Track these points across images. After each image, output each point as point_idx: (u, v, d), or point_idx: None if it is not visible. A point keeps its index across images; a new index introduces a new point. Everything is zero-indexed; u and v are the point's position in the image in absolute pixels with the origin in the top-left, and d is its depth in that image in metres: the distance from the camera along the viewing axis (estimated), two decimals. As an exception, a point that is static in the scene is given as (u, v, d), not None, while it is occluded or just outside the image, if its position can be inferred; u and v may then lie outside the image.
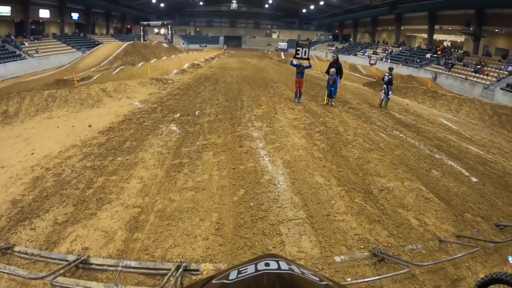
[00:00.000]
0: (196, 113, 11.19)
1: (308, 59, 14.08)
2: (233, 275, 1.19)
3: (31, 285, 3.89)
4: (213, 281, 1.21)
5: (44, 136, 9.02)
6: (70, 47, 48.38)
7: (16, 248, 4.39)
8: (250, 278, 1.14)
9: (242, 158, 7.46)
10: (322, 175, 6.74)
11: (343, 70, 14.82)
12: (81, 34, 57.23)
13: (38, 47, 41.24)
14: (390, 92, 14.06)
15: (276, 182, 6.33)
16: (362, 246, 4.63)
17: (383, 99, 14.30)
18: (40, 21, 49.66)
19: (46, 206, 5.39)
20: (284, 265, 1.21)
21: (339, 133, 9.57)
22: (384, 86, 14.08)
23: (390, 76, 14.09)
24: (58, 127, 9.84)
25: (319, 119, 10.95)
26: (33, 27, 48.18)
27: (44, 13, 49.06)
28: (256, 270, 1.18)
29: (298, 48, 13.89)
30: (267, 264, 1.21)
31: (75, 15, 56.55)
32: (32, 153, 7.72)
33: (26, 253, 4.32)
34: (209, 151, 7.84)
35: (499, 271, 3.53)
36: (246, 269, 1.20)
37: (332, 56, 15.47)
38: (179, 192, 5.90)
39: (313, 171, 6.90)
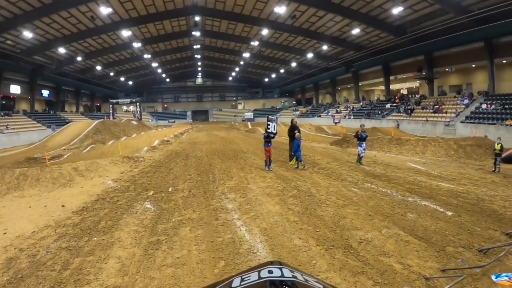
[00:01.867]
0: (170, 189, 11.29)
1: (276, 133, 15.04)
2: (236, 282, 1.21)
3: None
4: None
5: (17, 216, 8.85)
6: (40, 125, 48.55)
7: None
8: (253, 286, 1.16)
9: (219, 230, 7.54)
10: (300, 237, 6.89)
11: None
12: (51, 112, 57.66)
13: (9, 123, 41.00)
14: (364, 148, 14.68)
15: (255, 250, 6.41)
16: None
17: (361, 156, 14.76)
18: (11, 96, 49.89)
19: (21, 289, 5.25)
20: (287, 273, 1.22)
21: (312, 195, 9.87)
22: (361, 142, 14.65)
23: (364, 132, 14.85)
24: (30, 207, 9.68)
25: (291, 184, 11.27)
26: (4, 102, 48.21)
27: (15, 89, 49.58)
28: (259, 277, 1.20)
29: (268, 123, 14.80)
30: (270, 272, 1.23)
31: (45, 92, 57.34)
32: (5, 233, 7.55)
33: None
34: (185, 226, 7.88)
35: None
36: (249, 276, 1.23)
37: (291, 121, 16.30)
38: (159, 270, 5.87)
39: (290, 235, 7.04)
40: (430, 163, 14.53)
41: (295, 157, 14.31)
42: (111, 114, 63.37)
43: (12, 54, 43.27)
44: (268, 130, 14.69)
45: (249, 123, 62.60)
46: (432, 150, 17.50)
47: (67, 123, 50.67)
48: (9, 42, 40.67)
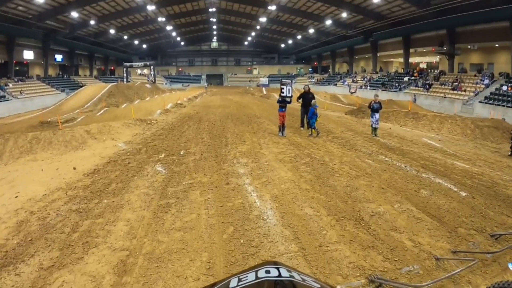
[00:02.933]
0: (181, 152, 11.19)
1: (291, 96, 14.60)
2: (233, 283, 1.18)
3: None
4: None
5: (29, 179, 8.87)
6: (54, 89, 48.61)
7: (0, 297, 4.23)
8: (250, 286, 1.13)
9: (229, 195, 7.43)
10: (311, 206, 6.74)
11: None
12: (65, 76, 57.61)
13: (22, 89, 41.23)
14: (377, 119, 14.31)
15: (265, 217, 6.29)
16: (358, 274, 4.58)
17: (373, 127, 14.49)
18: (24, 62, 50.04)
19: (31, 251, 5.23)
20: (284, 272, 1.20)
21: (325, 163, 9.66)
22: (374, 113, 14.33)
23: (377, 103, 14.45)
24: (42, 170, 9.69)
25: (304, 151, 11.06)
26: (17, 68, 48.48)
27: (28, 55, 49.45)
28: (257, 277, 1.17)
29: (282, 86, 14.40)
30: (267, 272, 1.20)
31: (58, 57, 57.07)
32: (16, 196, 7.55)
33: (11, 302, 4.16)
34: (195, 190, 7.79)
35: (500, 281, 3.52)
36: (247, 276, 1.20)
37: (304, 88, 15.86)
38: (167, 233, 5.81)
39: (301, 203, 6.90)
40: (445, 141, 14.13)
41: (310, 124, 13.99)
42: (125, 77, 63.00)
43: (24, 20, 42.58)
44: (282, 94, 14.33)
45: (263, 88, 61.90)
46: (449, 128, 17.06)
47: (81, 87, 50.62)
48: (20, 8, 40.03)
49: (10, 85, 40.65)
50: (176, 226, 6.06)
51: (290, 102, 14.61)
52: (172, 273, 4.69)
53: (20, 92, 40.42)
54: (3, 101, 36.81)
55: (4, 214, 6.62)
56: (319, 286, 1.18)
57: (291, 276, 1.18)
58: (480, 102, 32.28)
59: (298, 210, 6.59)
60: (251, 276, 1.18)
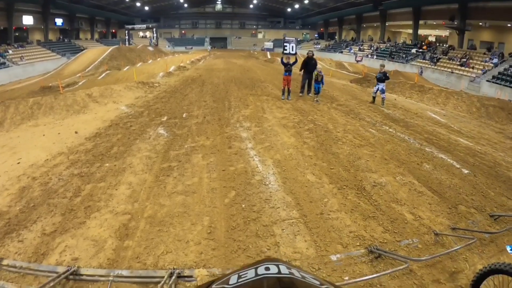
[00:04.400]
0: (184, 115, 11.07)
1: (295, 54, 14.21)
2: (233, 279, 1.19)
3: None
4: (214, 286, 1.23)
5: (30, 145, 8.82)
6: (55, 54, 47.83)
7: (4, 262, 4.24)
8: (250, 283, 1.13)
9: (231, 159, 7.38)
10: (314, 173, 6.69)
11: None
12: (66, 40, 56.57)
13: (23, 55, 40.66)
14: (382, 90, 14.16)
15: (267, 182, 6.26)
16: (358, 244, 4.58)
17: (373, 95, 14.47)
18: (24, 28, 48.98)
19: (33, 217, 5.24)
20: (284, 269, 1.21)
21: (329, 131, 9.54)
22: (378, 83, 14.22)
23: (381, 72, 14.29)
24: (44, 135, 9.63)
25: (307, 117, 10.91)
26: (17, 34, 47.54)
27: (28, 20, 48.32)
28: (256, 274, 1.18)
29: (285, 44, 14.08)
30: (267, 269, 1.21)
31: (59, 21, 55.82)
32: (18, 163, 7.53)
33: (15, 267, 4.17)
34: (198, 153, 7.74)
35: (497, 262, 3.50)
36: (246, 273, 1.21)
37: (307, 53, 15.40)
38: (169, 197, 5.79)
39: (304, 169, 6.85)
40: (450, 116, 13.85)
41: (316, 90, 13.74)
42: (126, 40, 61.95)
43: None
44: (285, 52, 14.00)
45: (268, 52, 60.71)
46: (454, 104, 16.69)
47: (82, 50, 49.80)
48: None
49: (10, 52, 39.94)
50: (178, 189, 6.04)
51: (296, 62, 14.19)
52: (174, 237, 4.69)
53: (21, 58, 39.81)
54: (3, 68, 36.24)
55: (6, 181, 6.60)
56: (318, 283, 1.17)
57: (290, 273, 1.18)
58: (487, 81, 31.38)
59: (301, 176, 6.53)
60: (250, 273, 1.20)
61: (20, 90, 26.39)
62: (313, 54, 15.09)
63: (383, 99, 14.08)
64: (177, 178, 6.50)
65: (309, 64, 14.35)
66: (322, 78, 13.60)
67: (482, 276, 3.54)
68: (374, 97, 14.47)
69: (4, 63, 36.80)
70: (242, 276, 1.19)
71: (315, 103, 13.41)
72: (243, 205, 5.45)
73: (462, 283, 4.07)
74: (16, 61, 38.89)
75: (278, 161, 7.22)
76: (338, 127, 9.93)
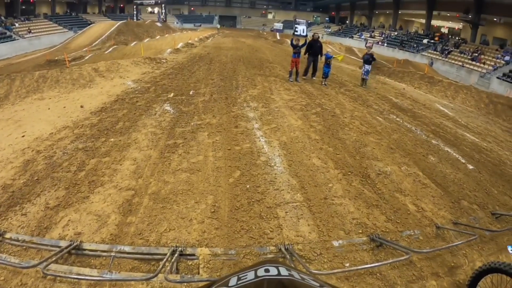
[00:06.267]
0: (191, 92, 10.97)
1: (306, 36, 13.98)
2: (233, 281, 1.18)
3: (24, 273, 3.76)
4: None
5: (35, 118, 8.79)
6: (61, 27, 47.41)
7: (7, 235, 4.26)
8: (250, 285, 1.13)
9: (237, 138, 7.32)
10: (319, 157, 6.62)
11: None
12: (73, 14, 55.98)
13: (29, 28, 40.36)
14: (367, 71, 14.54)
15: (272, 164, 6.20)
16: (360, 231, 4.55)
17: (364, 78, 14.72)
18: (31, 1, 48.42)
19: (37, 190, 5.24)
20: (284, 271, 1.21)
21: (336, 115, 9.42)
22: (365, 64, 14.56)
23: (368, 54, 14.68)
24: (49, 109, 9.59)
25: (315, 101, 10.77)
26: (24, 7, 47.02)
27: (35, -7, 47.83)
28: (256, 276, 1.18)
29: (296, 25, 13.84)
30: (267, 270, 1.21)
31: (66, -6, 55.20)
32: (23, 136, 7.51)
33: (17, 240, 4.19)
34: (204, 131, 7.67)
35: (497, 261, 3.51)
36: (246, 275, 1.21)
37: (313, 35, 14.98)
38: (174, 174, 5.76)
39: (310, 153, 6.78)
40: (458, 110, 13.67)
41: (324, 74, 13.58)
42: (134, 15, 61.07)
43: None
44: (296, 33, 13.76)
45: (277, 33, 59.92)
46: (463, 98, 16.52)
47: (89, 24, 49.26)
48: None
49: (17, 25, 39.57)
50: (183, 167, 6.01)
51: (305, 44, 13.94)
52: (177, 214, 4.68)
53: (28, 31, 39.48)
54: (10, 41, 35.98)
55: (11, 154, 6.59)
56: (318, 285, 1.16)
57: (290, 275, 1.18)
58: (497, 77, 30.77)
59: (306, 160, 6.47)
60: (250, 275, 1.19)
61: (26, 63, 26.31)
62: (318, 37, 14.77)
63: (365, 79, 14.42)
64: (182, 155, 6.46)
65: (314, 47, 14.06)
66: (327, 58, 13.59)
67: (480, 274, 3.56)
68: (363, 79, 14.65)
69: (11, 36, 36.57)
70: (242, 278, 1.18)
71: (323, 86, 13.25)
72: (248, 186, 5.41)
73: (460, 278, 4.06)
74: (22, 34, 38.64)
75: (284, 143, 7.15)
76: (346, 113, 9.80)
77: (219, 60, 19.10)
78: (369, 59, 14.38)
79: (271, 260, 1.40)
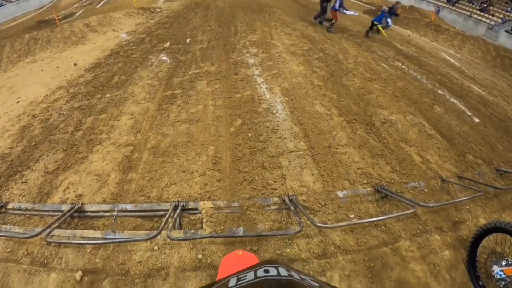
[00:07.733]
0: (187, 41, 10.54)
1: None
2: (232, 282, 1.18)
3: (29, 242, 3.77)
4: None
5: (29, 82, 8.57)
6: (50, -15, 45.43)
7: (10, 205, 4.23)
8: (249, 285, 1.13)
9: (237, 86, 7.05)
10: (323, 104, 6.38)
11: None
12: (61, -33, 53.55)
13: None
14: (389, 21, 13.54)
15: (274, 111, 5.99)
16: (365, 181, 4.44)
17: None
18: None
19: (35, 156, 5.15)
20: (283, 272, 1.21)
21: (339, 61, 9.02)
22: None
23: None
24: (42, 70, 9.32)
25: (317, 46, 10.30)
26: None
27: None
28: (256, 277, 1.18)
29: None
30: (266, 271, 1.22)
31: None
32: (18, 102, 7.33)
33: (20, 209, 4.16)
34: (202, 80, 7.40)
35: (502, 220, 3.40)
36: (246, 276, 1.21)
37: None
38: (173, 126, 5.60)
39: (313, 99, 6.53)
40: (465, 61, 13.14)
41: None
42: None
43: None
44: None
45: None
46: (470, 49, 15.95)
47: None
48: None
49: (3, -10, 38.11)
50: (182, 118, 5.83)
51: None
52: (178, 168, 4.57)
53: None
54: (-4, 7, 34.73)
55: (6, 122, 6.44)
56: (317, 285, 1.15)
57: (289, 276, 1.18)
58: (506, 31, 29.34)
59: (309, 106, 6.24)
60: (250, 276, 1.20)
61: (16, 27, 25.45)
62: None
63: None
64: (181, 106, 6.26)
65: None
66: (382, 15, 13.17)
67: (484, 232, 3.51)
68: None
69: (-2, 3, 35.22)
70: (242, 279, 1.19)
71: (326, 31, 12.65)
72: (250, 135, 5.25)
73: (464, 234, 4.00)
74: (8, -3, 37.15)
75: (286, 90, 6.88)
76: (349, 58, 9.38)
77: (216, 6, 18.31)
78: (395, 12, 13.60)
79: (271, 260, 1.35)
